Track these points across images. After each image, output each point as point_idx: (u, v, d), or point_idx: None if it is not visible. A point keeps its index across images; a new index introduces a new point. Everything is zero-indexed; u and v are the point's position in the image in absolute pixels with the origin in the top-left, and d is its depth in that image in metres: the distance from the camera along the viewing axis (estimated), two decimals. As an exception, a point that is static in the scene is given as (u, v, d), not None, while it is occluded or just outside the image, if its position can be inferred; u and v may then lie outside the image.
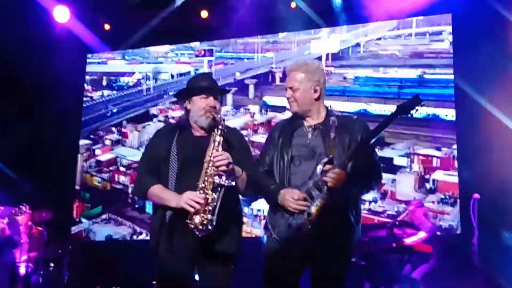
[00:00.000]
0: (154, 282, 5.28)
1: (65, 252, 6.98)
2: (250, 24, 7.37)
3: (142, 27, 7.95)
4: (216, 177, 3.28)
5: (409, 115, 3.18)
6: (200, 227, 3.25)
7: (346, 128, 3.34)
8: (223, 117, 3.49)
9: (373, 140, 3.21)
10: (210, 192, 3.28)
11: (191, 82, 3.63)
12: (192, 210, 3.26)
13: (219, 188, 3.28)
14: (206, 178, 3.31)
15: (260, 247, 3.60)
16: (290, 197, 3.21)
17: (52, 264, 7.00)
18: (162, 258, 3.43)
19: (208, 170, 3.32)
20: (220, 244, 3.37)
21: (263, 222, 3.58)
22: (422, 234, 6.37)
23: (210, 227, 3.24)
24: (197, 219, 3.26)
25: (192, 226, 3.26)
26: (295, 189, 3.24)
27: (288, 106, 3.50)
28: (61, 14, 7.61)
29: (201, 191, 3.29)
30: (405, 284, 6.26)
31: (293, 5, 7.41)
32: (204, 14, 7.74)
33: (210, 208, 3.26)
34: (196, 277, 3.55)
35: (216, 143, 3.36)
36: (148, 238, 3.63)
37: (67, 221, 7.87)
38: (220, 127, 3.39)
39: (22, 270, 6.25)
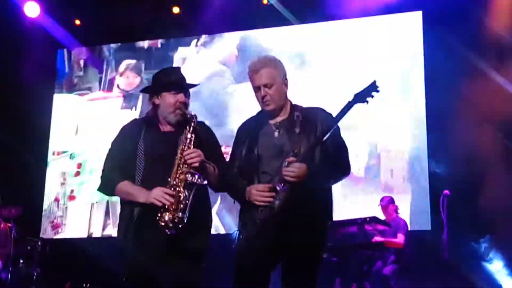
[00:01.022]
0: (124, 279, 5.22)
1: (35, 248, 6.91)
2: (221, 21, 7.38)
3: (114, 22, 7.88)
4: (188, 175, 3.23)
5: (366, 103, 3.17)
6: (170, 224, 3.20)
7: (311, 121, 3.30)
8: (194, 113, 3.46)
9: (330, 132, 3.18)
10: (182, 189, 3.24)
11: (159, 77, 3.55)
12: (160, 205, 3.22)
13: (191, 186, 3.24)
14: (177, 176, 3.27)
15: (231, 244, 3.59)
16: (255, 190, 3.21)
17: (21, 261, 6.92)
18: (130, 254, 3.37)
19: (179, 167, 3.27)
20: (188, 240, 3.31)
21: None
22: (401, 237, 6.43)
23: (180, 226, 3.20)
24: (167, 216, 3.20)
25: (162, 223, 3.20)
26: (260, 185, 3.23)
27: (261, 107, 3.40)
28: (32, 9, 7.52)
29: (172, 188, 3.25)
30: (376, 280, 6.31)
31: (265, 1, 7.42)
32: (175, 9, 7.70)
33: (182, 206, 3.21)
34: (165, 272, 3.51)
35: (188, 140, 3.32)
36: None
37: (37, 217, 7.76)
38: (192, 124, 3.35)
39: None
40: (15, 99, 7.96)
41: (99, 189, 3.58)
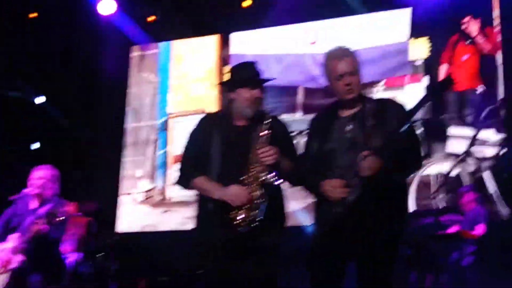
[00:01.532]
0: (199, 273, 5.32)
1: (113, 243, 7.13)
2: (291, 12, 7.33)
3: (184, 18, 7.96)
4: (263, 174, 3.26)
5: (442, 97, 3.09)
6: (243, 223, 3.23)
7: (383, 113, 3.23)
8: (269, 109, 3.46)
9: (405, 126, 3.10)
10: (256, 188, 3.26)
11: (235, 72, 3.59)
12: (235, 205, 3.25)
13: (266, 185, 3.26)
14: (252, 174, 3.29)
15: (305, 238, 3.58)
16: (328, 185, 3.18)
17: (99, 255, 7.15)
18: (205, 249, 3.44)
19: (254, 165, 3.29)
20: (263, 236, 3.33)
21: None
22: (480, 228, 6.23)
23: (253, 224, 3.23)
24: (241, 215, 3.24)
25: (236, 221, 3.24)
26: (336, 180, 3.18)
27: (339, 96, 3.31)
28: (107, 7, 7.68)
29: (247, 186, 3.27)
30: (452, 273, 6.16)
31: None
32: (246, 3, 7.71)
33: (255, 204, 3.24)
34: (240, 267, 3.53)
35: (263, 138, 3.33)
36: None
37: (114, 212, 7.98)
38: (266, 121, 3.36)
39: (70, 261, 6.39)
40: (90, 96, 8.21)
41: (177, 183, 3.65)
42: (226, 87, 3.61)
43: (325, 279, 3.26)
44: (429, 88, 3.15)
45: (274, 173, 3.27)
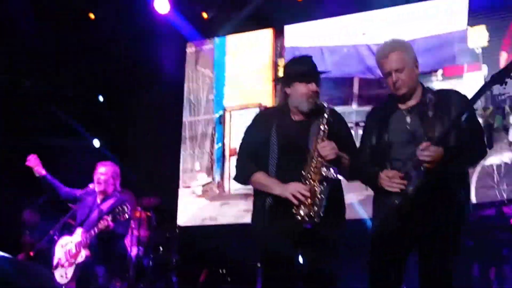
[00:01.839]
0: (259, 265, 5.38)
1: (173, 236, 7.27)
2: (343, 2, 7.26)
3: (239, 12, 7.99)
4: (324, 169, 3.25)
5: (504, 84, 3.02)
6: (306, 219, 3.25)
7: (444, 104, 3.20)
8: (326, 104, 3.43)
9: (466, 114, 3.06)
10: (317, 184, 3.26)
11: (290, 66, 3.59)
12: (297, 202, 3.26)
13: (326, 181, 3.26)
14: (312, 169, 3.29)
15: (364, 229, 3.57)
16: (385, 176, 3.16)
17: (161, 248, 7.31)
18: (264, 243, 3.47)
19: (314, 161, 3.29)
20: (323, 230, 3.34)
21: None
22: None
23: (316, 220, 3.24)
24: (303, 211, 3.25)
25: (299, 217, 3.26)
26: (392, 171, 3.17)
27: (392, 92, 3.32)
28: (162, 5, 7.78)
29: (307, 182, 3.28)
30: (516, 265, 6.00)
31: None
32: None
33: (317, 200, 3.25)
34: (300, 260, 3.56)
35: (322, 132, 3.33)
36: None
37: (174, 206, 8.12)
38: (325, 115, 3.35)
39: (133, 254, 6.56)
40: (149, 92, 8.36)
41: (235, 179, 3.69)
42: (282, 82, 3.61)
43: (386, 272, 3.25)
44: (490, 76, 3.05)
45: (334, 168, 3.26)
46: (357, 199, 6.45)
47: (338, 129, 3.49)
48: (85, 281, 5.16)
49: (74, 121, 7.94)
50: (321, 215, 3.25)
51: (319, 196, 3.25)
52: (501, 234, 6.08)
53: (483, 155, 3.34)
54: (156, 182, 7.68)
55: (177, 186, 8.24)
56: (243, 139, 3.71)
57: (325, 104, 3.41)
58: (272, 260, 3.48)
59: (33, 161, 5.46)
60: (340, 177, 3.36)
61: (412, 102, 3.29)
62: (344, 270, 3.70)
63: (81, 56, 7.99)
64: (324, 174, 3.25)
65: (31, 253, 5.78)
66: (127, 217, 5.10)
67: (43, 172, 5.46)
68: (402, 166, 3.17)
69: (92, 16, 8.24)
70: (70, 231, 5.48)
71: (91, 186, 5.41)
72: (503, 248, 6.01)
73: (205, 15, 8.18)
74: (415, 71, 3.30)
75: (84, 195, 5.43)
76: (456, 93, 3.33)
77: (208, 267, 6.47)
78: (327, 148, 3.27)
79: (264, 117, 3.66)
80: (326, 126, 3.34)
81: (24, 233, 6.42)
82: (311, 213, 3.24)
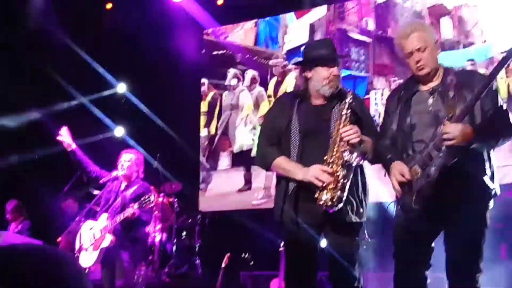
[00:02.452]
0: (282, 248, 5.41)
1: (195, 221, 7.32)
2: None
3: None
4: (346, 153, 3.22)
5: None
6: (330, 203, 3.21)
7: (466, 83, 3.15)
8: (349, 89, 3.41)
9: (486, 89, 2.98)
10: (340, 168, 3.23)
11: (311, 50, 3.54)
12: (320, 184, 3.23)
13: (349, 165, 3.23)
14: (335, 154, 3.26)
15: (386, 212, 3.54)
16: (397, 172, 3.14)
17: (184, 233, 7.38)
18: (287, 227, 3.46)
19: (337, 145, 3.26)
20: (345, 213, 3.34)
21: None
22: None
23: (339, 204, 3.21)
24: (326, 195, 3.22)
25: (321, 202, 3.22)
26: (403, 164, 3.14)
27: (413, 72, 3.28)
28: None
29: (330, 166, 3.24)
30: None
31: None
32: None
33: (340, 184, 3.21)
34: (323, 244, 3.57)
35: (344, 117, 3.29)
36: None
37: (195, 192, 8.17)
38: (347, 100, 3.31)
39: (157, 239, 6.63)
40: (164, 83, 8.38)
41: (256, 163, 3.68)
42: (302, 66, 3.57)
43: (412, 254, 3.25)
44: (509, 49, 2.99)
45: (357, 153, 3.24)
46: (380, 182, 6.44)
47: (361, 113, 3.46)
48: (110, 265, 5.23)
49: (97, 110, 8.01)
50: (344, 199, 3.23)
51: (342, 181, 3.22)
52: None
53: (509, 136, 3.21)
54: (179, 169, 7.71)
55: (198, 173, 8.29)
56: (263, 123, 3.69)
57: (348, 89, 3.39)
58: (296, 244, 3.48)
59: (64, 134, 5.49)
60: (362, 161, 3.33)
61: (433, 84, 3.25)
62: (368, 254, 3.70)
63: (97, 46, 8.02)
64: (346, 158, 3.23)
65: (58, 240, 5.86)
66: (152, 206, 5.15)
67: (74, 146, 5.45)
68: (424, 147, 3.14)
69: (109, 6, 8.27)
70: (94, 217, 5.55)
71: (114, 173, 5.46)
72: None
73: (220, 1, 8.13)
74: (436, 51, 3.26)
75: (108, 181, 5.48)
76: (477, 73, 3.29)
77: (231, 251, 6.50)
78: (349, 132, 3.24)
79: (284, 101, 3.62)
80: (348, 111, 3.31)
81: (64, 222, 6.44)
82: (333, 198, 3.21)
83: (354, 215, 3.37)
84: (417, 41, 3.20)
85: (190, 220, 7.36)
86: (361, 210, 3.41)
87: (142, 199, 4.99)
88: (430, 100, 3.23)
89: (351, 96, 3.34)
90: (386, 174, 3.33)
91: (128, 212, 5.01)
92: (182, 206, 7.24)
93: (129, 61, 8.25)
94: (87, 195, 6.30)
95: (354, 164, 3.25)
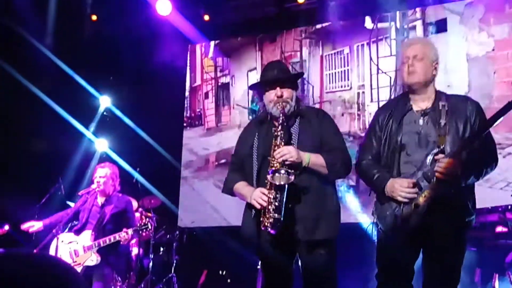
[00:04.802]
0: (259, 266, 5.36)
1: (173, 237, 7.24)
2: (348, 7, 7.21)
3: (239, 16, 7.97)
4: (276, 174, 3.16)
5: None
6: (268, 225, 3.17)
7: (458, 111, 3.15)
8: (286, 107, 3.37)
9: (485, 133, 3.02)
10: (272, 190, 3.18)
11: (261, 75, 3.55)
12: (259, 207, 3.21)
13: (278, 186, 3.16)
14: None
15: (363, 233, 3.51)
16: (400, 186, 3.09)
17: (162, 249, 7.29)
18: (261, 248, 3.42)
19: (271, 167, 3.23)
20: (300, 233, 3.29)
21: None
22: None
23: (278, 225, 3.14)
24: (266, 217, 3.19)
25: (265, 223, 3.19)
26: (403, 178, 3.12)
27: (403, 79, 3.25)
28: (163, 7, 7.78)
29: (267, 188, 3.21)
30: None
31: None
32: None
33: (273, 206, 3.17)
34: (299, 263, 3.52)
35: (279, 139, 3.28)
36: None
37: (174, 208, 8.10)
38: (279, 120, 3.30)
39: (133, 254, 6.55)
40: (149, 96, 8.33)
41: (222, 190, 3.67)
42: (256, 91, 3.63)
43: (395, 273, 3.23)
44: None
45: (287, 172, 3.16)
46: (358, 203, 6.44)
47: (310, 124, 3.43)
48: (88, 280, 5.17)
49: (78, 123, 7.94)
50: (282, 220, 3.15)
51: (273, 203, 3.16)
52: (505, 240, 6.03)
53: (494, 167, 3.23)
54: (158, 184, 7.64)
55: (178, 187, 8.22)
56: (234, 150, 3.69)
57: (285, 109, 3.34)
58: (270, 266, 3.48)
59: (28, 226, 5.53)
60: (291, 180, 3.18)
61: (425, 104, 3.25)
62: (342, 272, 3.66)
63: (83, 58, 7.96)
64: (276, 180, 3.16)
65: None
66: (151, 234, 5.16)
67: (41, 225, 5.52)
68: (413, 174, 3.11)
69: (94, 17, 8.23)
70: (70, 229, 5.50)
71: (92, 186, 5.40)
72: (506, 254, 5.96)
73: (206, 17, 8.14)
74: (432, 68, 3.25)
75: (86, 195, 5.42)
76: (469, 100, 3.28)
77: (208, 268, 6.44)
78: (280, 153, 3.21)
79: (250, 127, 3.65)
80: (281, 132, 3.28)
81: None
82: (270, 219, 3.16)
83: (310, 233, 3.30)
84: (415, 49, 3.24)
85: (168, 236, 7.28)
86: (322, 227, 3.33)
87: (139, 225, 5.03)
88: (421, 121, 3.22)
89: (283, 116, 3.30)
90: (371, 193, 3.33)
91: (122, 237, 5.02)
92: (161, 221, 7.16)
93: (113, 74, 8.20)
94: (63, 207, 6.21)
95: (283, 183, 3.16)
